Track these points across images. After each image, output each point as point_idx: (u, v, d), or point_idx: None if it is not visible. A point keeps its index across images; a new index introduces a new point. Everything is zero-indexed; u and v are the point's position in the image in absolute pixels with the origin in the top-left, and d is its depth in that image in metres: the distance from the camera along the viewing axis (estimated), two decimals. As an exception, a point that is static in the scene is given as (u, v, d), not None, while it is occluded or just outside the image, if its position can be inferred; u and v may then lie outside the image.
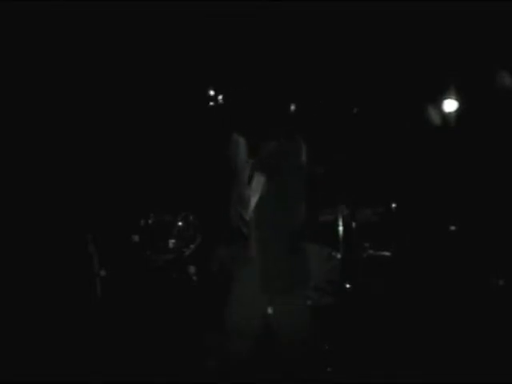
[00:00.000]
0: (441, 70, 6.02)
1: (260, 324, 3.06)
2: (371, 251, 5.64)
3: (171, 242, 6.09)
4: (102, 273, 5.33)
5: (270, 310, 3.07)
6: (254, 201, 2.98)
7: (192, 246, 6.08)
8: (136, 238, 6.10)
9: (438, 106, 6.25)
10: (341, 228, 5.40)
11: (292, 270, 3.06)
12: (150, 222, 6.14)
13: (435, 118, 6.27)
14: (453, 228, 5.99)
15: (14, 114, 5.35)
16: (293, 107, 3.08)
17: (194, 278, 5.96)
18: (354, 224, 5.50)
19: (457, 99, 6.17)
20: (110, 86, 5.90)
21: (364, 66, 5.94)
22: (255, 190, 2.98)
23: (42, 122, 5.52)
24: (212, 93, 2.94)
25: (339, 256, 5.36)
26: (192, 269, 5.98)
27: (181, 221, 6.15)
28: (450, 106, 6.22)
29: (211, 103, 2.94)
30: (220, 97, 2.97)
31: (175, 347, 4.34)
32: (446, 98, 6.21)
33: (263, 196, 2.98)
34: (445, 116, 6.26)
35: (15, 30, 5.22)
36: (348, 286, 5.33)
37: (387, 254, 5.65)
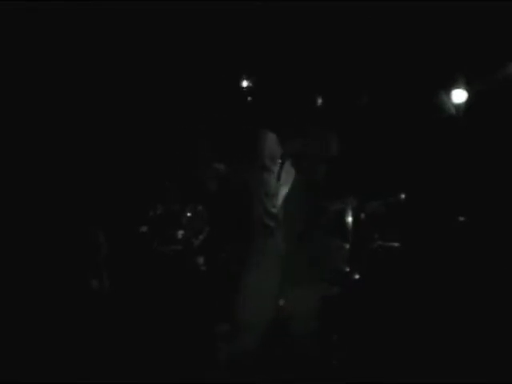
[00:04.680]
0: (450, 61, 6.01)
1: (272, 316, 3.05)
2: (380, 242, 5.64)
3: (180, 232, 6.10)
4: (107, 282, 5.34)
5: (281, 302, 3.07)
6: (282, 194, 2.98)
7: (201, 237, 6.09)
8: (145, 228, 6.11)
9: (449, 96, 6.25)
10: (350, 219, 5.39)
11: (315, 258, 3.06)
12: (158, 212, 6.16)
13: (447, 108, 6.27)
14: (462, 219, 5.99)
15: (25, 110, 5.38)
16: (320, 100, 3.09)
17: (203, 268, 5.98)
18: (362, 215, 5.50)
19: (466, 90, 6.16)
20: (119, 78, 5.91)
21: (375, 57, 5.93)
22: (284, 184, 2.98)
23: (51, 118, 5.55)
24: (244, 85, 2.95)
25: (348, 247, 5.36)
26: (201, 259, 6.00)
27: (189, 211, 6.16)
28: (460, 96, 6.22)
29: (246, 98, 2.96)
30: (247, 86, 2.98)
31: (184, 340, 4.33)
32: (455, 89, 6.21)
33: (293, 189, 2.98)
34: (454, 106, 6.26)
35: (16, 30, 5.23)
36: (357, 276, 5.34)
37: (396, 244, 5.65)
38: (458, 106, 6.25)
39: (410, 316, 4.86)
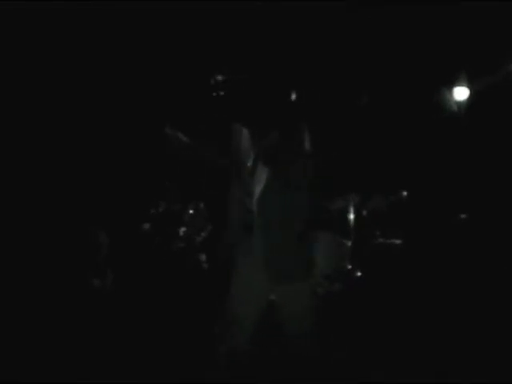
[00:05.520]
0: (452, 59, 5.99)
1: (262, 313, 3.04)
2: (382, 239, 5.65)
3: (182, 230, 6.11)
4: (109, 280, 5.34)
5: (273, 297, 3.06)
6: (258, 190, 2.96)
7: (203, 234, 6.10)
8: (147, 226, 6.12)
9: (451, 93, 6.24)
10: (352, 216, 5.40)
11: (296, 258, 3.04)
12: (160, 210, 6.17)
13: (449, 106, 6.26)
14: (463, 216, 5.98)
15: (25, 109, 5.39)
16: (294, 95, 3.04)
17: (205, 265, 5.99)
18: (364, 212, 5.51)
19: (468, 87, 6.15)
20: (120, 77, 5.91)
21: (377, 54, 5.91)
22: (259, 180, 2.96)
23: (51, 118, 5.56)
24: (214, 82, 2.91)
25: (350, 244, 5.37)
26: (203, 257, 6.01)
27: (191, 209, 6.16)
28: (461, 94, 6.21)
29: (214, 93, 2.91)
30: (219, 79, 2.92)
31: (184, 340, 4.33)
32: (457, 86, 6.20)
33: (267, 185, 2.96)
34: (456, 104, 6.25)
35: (15, 30, 5.23)
36: (358, 273, 5.34)
37: (398, 242, 5.65)
38: (459, 104, 6.24)
39: (412, 314, 4.85)
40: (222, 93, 2.93)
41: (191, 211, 6.12)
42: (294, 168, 2.94)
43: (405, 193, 5.61)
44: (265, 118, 2.98)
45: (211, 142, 3.27)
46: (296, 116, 3.06)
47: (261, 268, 2.95)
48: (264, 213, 2.95)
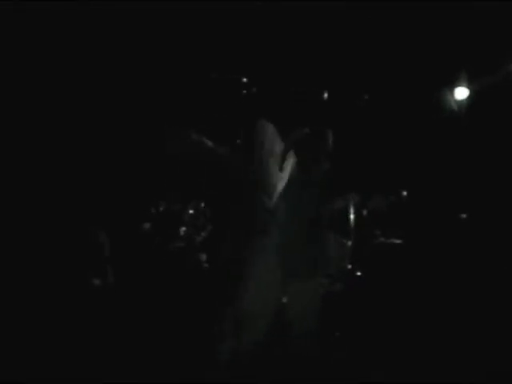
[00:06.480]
0: (453, 58, 5.99)
1: (273, 312, 3.05)
2: (382, 239, 5.64)
3: (182, 229, 6.11)
4: (111, 280, 5.34)
5: (284, 299, 3.07)
6: (279, 188, 2.97)
7: (203, 234, 6.09)
8: (147, 225, 6.12)
9: (451, 93, 6.25)
10: (352, 216, 5.40)
11: (303, 256, 3.05)
12: (160, 209, 6.16)
13: (449, 105, 6.26)
14: (464, 216, 5.99)
15: (24, 109, 5.39)
16: (326, 95, 3.05)
17: (205, 265, 5.99)
18: (365, 212, 5.50)
19: (468, 87, 6.16)
20: (119, 77, 5.90)
21: (376, 53, 5.91)
22: (282, 178, 2.96)
23: (51, 117, 5.56)
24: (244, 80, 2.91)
25: (350, 243, 5.36)
26: (203, 257, 6.00)
27: (192, 208, 6.16)
28: (462, 93, 6.22)
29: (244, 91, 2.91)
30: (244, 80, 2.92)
31: (184, 340, 4.33)
32: (457, 86, 6.21)
33: (290, 183, 2.97)
34: (457, 103, 6.25)
35: (15, 30, 5.23)
36: (359, 273, 5.34)
37: (398, 241, 5.65)
38: (460, 103, 6.25)
39: (412, 314, 4.85)
40: (246, 91, 2.93)
41: (191, 211, 6.12)
42: (316, 167, 2.95)
43: (405, 192, 5.61)
44: (291, 116, 2.98)
45: (213, 141, 3.27)
46: (327, 115, 3.08)
47: (274, 267, 2.96)
48: (282, 211, 2.96)
